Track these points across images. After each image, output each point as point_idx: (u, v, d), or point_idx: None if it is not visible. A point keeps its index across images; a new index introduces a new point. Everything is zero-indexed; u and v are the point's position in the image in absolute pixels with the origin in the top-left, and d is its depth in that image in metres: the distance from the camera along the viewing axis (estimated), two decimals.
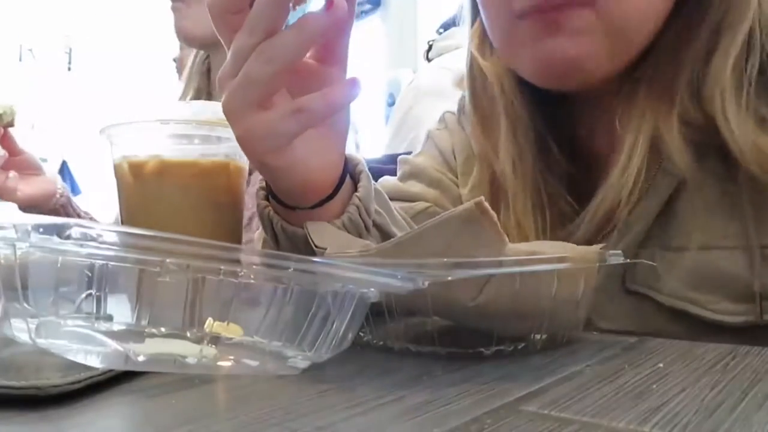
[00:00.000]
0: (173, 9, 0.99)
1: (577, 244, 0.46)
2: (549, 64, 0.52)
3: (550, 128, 0.60)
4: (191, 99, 1.06)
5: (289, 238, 0.46)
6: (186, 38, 1.01)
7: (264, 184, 0.48)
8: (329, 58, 0.44)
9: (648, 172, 0.52)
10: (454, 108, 0.71)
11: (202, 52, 1.08)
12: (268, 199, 0.48)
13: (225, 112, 0.41)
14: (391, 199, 0.55)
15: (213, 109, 0.46)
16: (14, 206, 0.97)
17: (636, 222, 0.53)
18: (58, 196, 1.00)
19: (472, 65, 0.64)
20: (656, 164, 0.52)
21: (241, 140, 0.41)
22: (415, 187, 0.67)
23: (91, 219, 1.09)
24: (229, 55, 0.40)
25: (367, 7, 3.66)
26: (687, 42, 0.51)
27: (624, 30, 0.50)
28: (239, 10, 0.40)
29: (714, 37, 0.50)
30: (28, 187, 0.95)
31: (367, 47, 3.62)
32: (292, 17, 0.39)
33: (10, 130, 0.95)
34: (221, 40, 0.42)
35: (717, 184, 0.51)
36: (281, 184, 0.45)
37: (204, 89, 1.07)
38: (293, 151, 0.42)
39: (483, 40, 0.62)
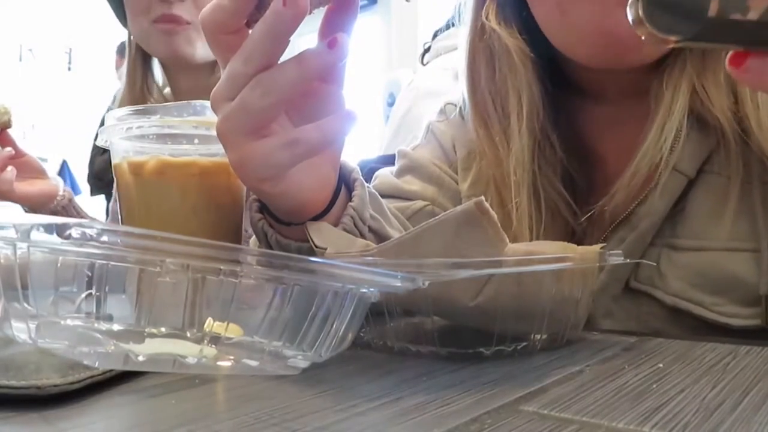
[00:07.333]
0: (170, 32, 0.90)
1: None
2: (612, 40, 0.49)
3: (553, 123, 0.59)
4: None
5: (283, 250, 0.46)
6: (186, 62, 0.93)
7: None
8: (327, 75, 0.43)
9: (657, 172, 0.51)
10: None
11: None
12: (261, 212, 0.48)
13: (219, 135, 0.40)
14: (388, 197, 0.54)
15: None
16: (17, 207, 0.97)
17: (644, 220, 0.53)
18: (58, 198, 0.99)
19: (474, 47, 0.61)
20: (668, 163, 0.51)
21: (235, 166, 0.41)
22: (412, 184, 0.66)
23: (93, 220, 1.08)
24: (223, 75, 0.39)
25: (364, 2, 3.64)
26: None
27: None
28: (234, 30, 0.39)
29: None
30: (26, 187, 0.95)
31: (367, 47, 3.62)
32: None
33: (9, 132, 0.94)
34: (216, 58, 0.41)
35: (728, 185, 0.50)
36: (276, 206, 0.45)
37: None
38: (288, 178, 0.41)
39: (498, 16, 0.60)
